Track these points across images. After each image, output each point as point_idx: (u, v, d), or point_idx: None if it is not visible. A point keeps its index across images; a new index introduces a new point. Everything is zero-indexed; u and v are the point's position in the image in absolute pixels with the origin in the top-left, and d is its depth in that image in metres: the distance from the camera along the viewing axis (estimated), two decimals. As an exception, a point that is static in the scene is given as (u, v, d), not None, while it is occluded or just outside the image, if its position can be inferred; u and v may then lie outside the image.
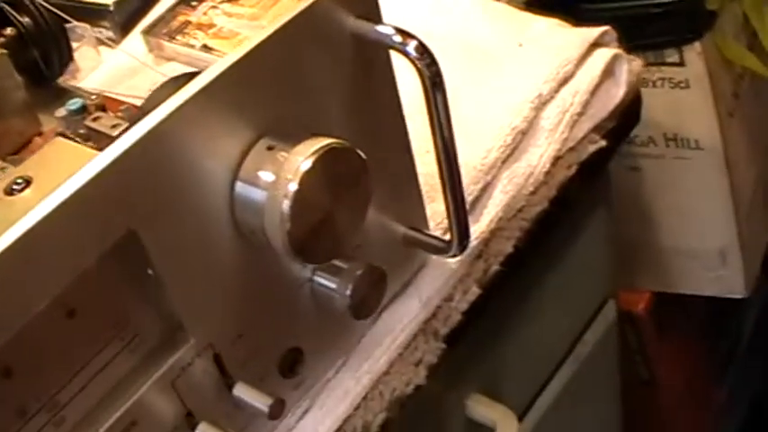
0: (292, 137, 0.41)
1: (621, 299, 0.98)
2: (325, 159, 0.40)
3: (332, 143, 0.40)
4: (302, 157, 0.40)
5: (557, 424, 0.79)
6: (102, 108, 0.60)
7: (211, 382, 0.44)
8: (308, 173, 0.40)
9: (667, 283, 1.06)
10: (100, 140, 0.55)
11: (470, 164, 0.57)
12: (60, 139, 0.52)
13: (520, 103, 0.61)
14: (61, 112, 0.59)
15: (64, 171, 0.38)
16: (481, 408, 0.65)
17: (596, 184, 0.66)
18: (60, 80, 0.67)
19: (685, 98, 0.91)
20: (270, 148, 0.41)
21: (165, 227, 0.39)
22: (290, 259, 0.41)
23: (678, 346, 1.15)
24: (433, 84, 0.43)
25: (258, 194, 0.40)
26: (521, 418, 0.74)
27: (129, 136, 0.37)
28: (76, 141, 0.56)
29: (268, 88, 0.41)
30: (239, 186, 0.41)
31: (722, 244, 1.00)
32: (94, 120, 0.58)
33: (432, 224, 0.54)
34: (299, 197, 0.39)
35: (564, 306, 0.73)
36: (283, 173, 0.40)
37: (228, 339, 0.44)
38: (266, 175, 0.40)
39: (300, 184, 0.39)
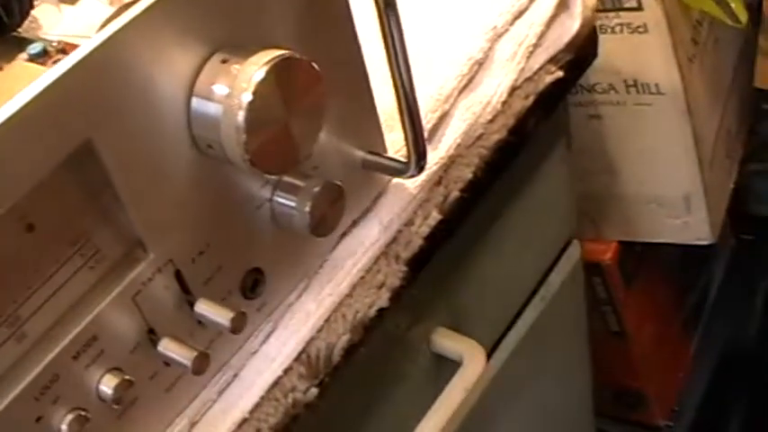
0: (246, 50, 0.41)
1: (588, 250, 0.99)
2: (278, 69, 0.40)
3: (285, 53, 0.41)
4: (255, 68, 0.40)
5: (524, 366, 0.79)
6: (64, 51, 0.60)
7: (173, 299, 0.44)
8: (261, 83, 0.40)
9: (633, 233, 1.07)
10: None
11: (427, 93, 0.58)
12: (21, 61, 0.52)
13: (475, 36, 0.61)
14: (22, 56, 0.59)
15: (20, 86, 0.38)
16: (447, 341, 0.66)
17: (554, 117, 0.67)
18: (20, 30, 0.67)
19: (644, 43, 0.91)
20: (224, 62, 0.41)
21: (121, 140, 0.39)
22: (248, 171, 0.41)
23: (647, 297, 1.17)
24: (387, 5, 0.44)
25: (213, 108, 0.41)
26: (488, 358, 0.75)
27: (82, 48, 0.37)
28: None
29: (220, 3, 0.42)
30: (195, 102, 0.41)
31: (686, 190, 1.01)
32: (56, 63, 0.58)
33: (391, 152, 0.55)
34: (253, 107, 0.40)
35: (527, 242, 0.74)
36: (237, 84, 0.40)
37: (189, 256, 0.44)
38: (220, 89, 0.41)
39: (254, 94, 0.40)
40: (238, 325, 0.44)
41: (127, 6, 0.50)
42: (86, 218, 0.41)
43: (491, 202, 0.62)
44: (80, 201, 0.41)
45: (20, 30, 0.68)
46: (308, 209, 0.46)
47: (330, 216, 0.47)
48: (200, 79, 0.41)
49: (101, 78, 0.38)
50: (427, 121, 0.57)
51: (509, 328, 0.77)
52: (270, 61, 0.40)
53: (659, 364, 1.23)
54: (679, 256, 1.20)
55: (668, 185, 1.01)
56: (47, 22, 0.72)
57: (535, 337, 0.79)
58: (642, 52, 0.92)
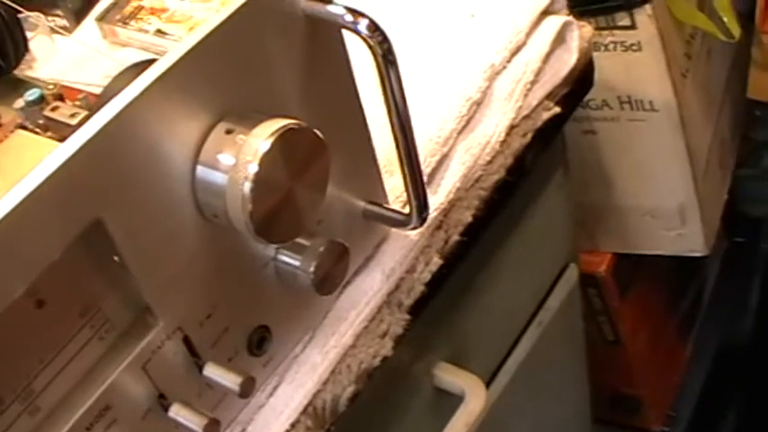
0: (250, 119, 0.42)
1: (584, 262, 0.99)
2: (283, 140, 0.41)
3: (289, 124, 0.41)
4: (261, 139, 0.40)
5: (523, 389, 0.80)
6: (60, 97, 0.60)
7: (182, 364, 0.45)
8: (267, 154, 0.40)
9: (628, 245, 1.08)
10: (59, 130, 0.55)
11: (426, 136, 0.58)
12: (21, 131, 0.52)
13: (473, 74, 0.61)
14: (19, 103, 0.60)
15: (26, 163, 0.38)
16: (449, 377, 0.66)
17: (552, 149, 0.67)
18: (16, 71, 0.67)
19: (638, 60, 0.91)
20: (228, 132, 0.41)
21: (129, 214, 0.40)
22: (254, 240, 0.42)
23: (642, 305, 1.17)
24: (386, 60, 0.44)
25: (219, 177, 0.41)
26: (487, 385, 0.75)
27: (91, 125, 0.38)
28: (36, 133, 0.57)
29: (224, 72, 0.42)
30: (200, 170, 0.42)
31: (681, 203, 1.02)
32: (53, 110, 0.59)
33: (391, 198, 0.55)
34: (259, 178, 0.40)
35: (525, 272, 0.75)
36: (243, 155, 0.40)
37: (197, 321, 0.45)
38: (226, 158, 0.41)
39: (260, 165, 0.40)
40: (247, 389, 0.44)
41: (134, 67, 0.51)
42: (95, 289, 0.41)
43: (489, 235, 0.63)
44: (89, 273, 0.41)
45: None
46: (312, 269, 0.46)
47: (334, 274, 0.48)
48: (206, 148, 0.42)
49: (110, 155, 0.38)
50: (426, 165, 0.58)
51: (507, 354, 0.78)
52: (275, 132, 0.41)
53: (654, 369, 1.24)
54: (673, 262, 1.20)
55: (663, 198, 1.02)
56: (41, 53, 0.72)
57: (533, 361, 0.80)
58: (636, 70, 0.92)
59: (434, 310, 0.59)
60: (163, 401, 0.44)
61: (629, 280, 1.14)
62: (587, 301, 1.10)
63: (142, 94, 0.39)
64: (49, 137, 0.56)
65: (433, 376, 0.67)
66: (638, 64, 0.92)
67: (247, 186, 0.40)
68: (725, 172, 1.14)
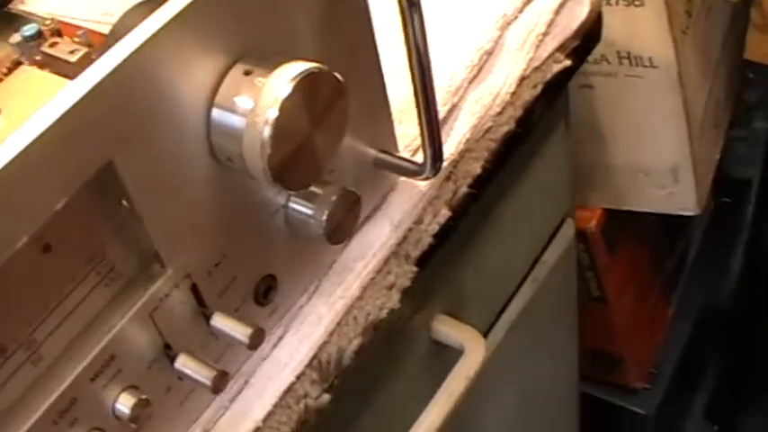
0: (269, 61, 0.40)
1: None
2: (304, 84, 0.39)
3: (311, 68, 0.39)
4: (282, 83, 0.39)
5: (518, 344, 0.79)
6: (58, 33, 0.58)
7: (189, 313, 0.43)
8: (287, 99, 0.39)
9: (619, 201, 1.07)
10: (59, 67, 0.53)
11: (437, 85, 0.57)
12: (26, 67, 0.50)
13: (485, 24, 0.60)
14: (15, 38, 0.57)
15: (33, 100, 0.37)
16: (447, 329, 0.65)
17: (557, 102, 0.66)
18: (10, 6, 0.65)
19: (639, 16, 0.90)
20: (247, 73, 0.39)
21: (141, 157, 0.38)
22: (269, 185, 0.40)
23: (628, 263, 1.17)
24: (410, 3, 0.42)
25: (236, 121, 0.39)
26: (483, 337, 0.74)
27: (103, 63, 0.36)
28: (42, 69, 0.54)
29: (241, 10, 0.40)
30: (216, 113, 0.40)
31: (674, 161, 1.00)
32: (51, 46, 0.56)
33: (400, 146, 0.54)
34: (278, 123, 0.38)
35: (524, 226, 0.73)
36: (262, 99, 0.39)
37: (206, 269, 0.43)
38: (244, 102, 0.39)
39: (281, 110, 0.38)
40: (257, 341, 0.43)
41: (145, 4, 0.48)
42: (102, 235, 0.40)
43: (494, 190, 0.61)
44: (96, 218, 0.39)
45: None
46: (325, 217, 0.45)
47: (345, 223, 0.46)
48: (222, 90, 0.40)
49: (123, 95, 0.36)
50: (437, 114, 0.56)
51: (503, 309, 0.77)
52: (297, 77, 0.39)
53: (638, 327, 1.24)
54: (660, 221, 1.20)
55: (656, 156, 1.01)
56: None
57: (528, 316, 0.79)
58: (637, 26, 0.90)
59: (435, 262, 0.58)
60: (169, 352, 0.43)
61: (618, 237, 1.13)
62: (575, 256, 1.09)
63: (157, 32, 0.37)
64: (56, 74, 0.54)
65: (431, 329, 0.66)
66: (639, 20, 0.90)
67: (267, 131, 0.38)
68: (718, 132, 1.13)
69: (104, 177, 0.37)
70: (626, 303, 1.19)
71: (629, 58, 0.93)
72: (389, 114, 0.51)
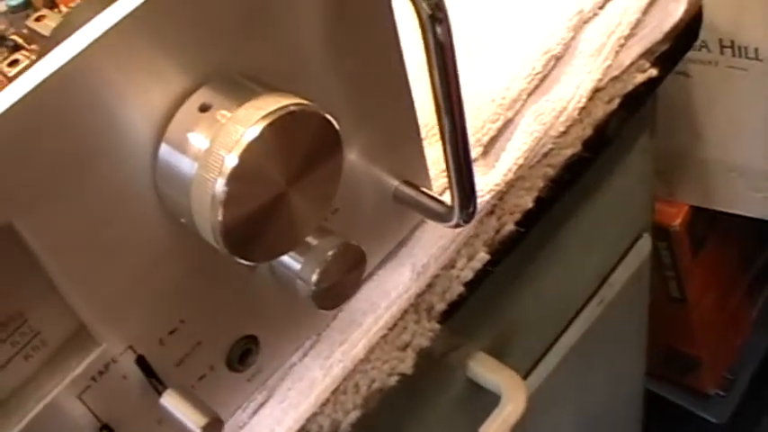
0: (240, 90, 0.30)
1: (657, 212, 0.92)
2: (279, 126, 0.29)
3: (291, 105, 0.30)
4: (249, 121, 0.29)
5: (578, 365, 0.70)
6: (52, 4, 0.49)
7: (135, 388, 0.35)
8: (254, 143, 0.29)
9: (709, 200, 0.99)
10: (41, 44, 0.45)
11: (488, 96, 0.47)
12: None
13: (555, 22, 0.49)
14: (1, 7, 0.49)
15: None
16: (485, 371, 0.56)
17: (639, 115, 0.55)
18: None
19: (748, 3, 0.81)
20: (204, 108, 0.30)
21: (57, 214, 0.29)
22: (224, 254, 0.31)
23: (713, 264, 1.10)
24: (433, 19, 0.32)
25: (186, 165, 0.30)
26: (532, 370, 0.65)
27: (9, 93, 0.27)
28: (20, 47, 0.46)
29: (223, 16, 0.31)
30: (164, 151, 0.30)
31: (773, 164, 0.91)
32: (38, 19, 0.48)
33: (433, 173, 0.44)
34: (238, 175, 0.29)
35: (591, 251, 0.63)
36: (220, 139, 0.29)
37: (155, 338, 0.34)
38: (198, 140, 0.30)
39: (242, 157, 0.29)
40: (212, 433, 0.34)
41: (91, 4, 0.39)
42: (17, 297, 0.31)
43: (556, 208, 0.51)
44: (5, 280, 0.30)
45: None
46: (315, 277, 0.35)
47: (343, 285, 0.37)
48: (175, 122, 0.30)
49: (26, 140, 0.27)
50: (484, 132, 0.46)
51: (560, 334, 0.67)
52: (270, 114, 0.29)
53: (717, 330, 1.17)
54: (749, 222, 1.11)
55: (753, 156, 0.92)
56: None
57: (590, 340, 0.69)
58: (745, 13, 0.81)
59: (480, 295, 0.48)
60: (106, 433, 0.34)
61: (703, 237, 1.06)
62: (656, 253, 1.01)
63: (98, 41, 0.28)
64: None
65: (467, 367, 0.56)
66: (747, 6, 0.80)
67: (221, 184, 0.29)
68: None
69: (4, 241, 0.28)
70: (707, 306, 1.13)
71: (732, 47, 0.85)
72: (419, 140, 0.41)
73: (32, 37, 0.48)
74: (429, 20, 0.32)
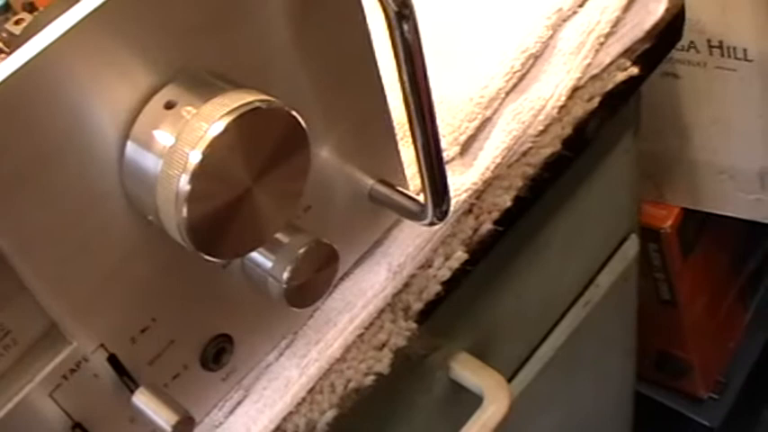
0: (206, 87, 0.30)
1: (647, 214, 0.94)
2: (243, 122, 0.29)
3: (256, 101, 0.30)
4: (213, 117, 0.29)
5: (563, 367, 0.70)
6: (31, 7, 0.49)
7: (107, 388, 0.35)
8: (217, 139, 0.29)
9: (699, 202, 0.99)
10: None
11: (466, 95, 0.47)
12: None
13: (533, 20, 0.49)
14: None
15: None
16: (467, 372, 0.56)
17: (621, 115, 0.55)
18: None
19: (736, 3, 0.80)
20: (170, 105, 0.30)
21: (20, 210, 0.29)
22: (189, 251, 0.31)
23: (704, 267, 1.09)
24: (399, 16, 0.32)
25: (151, 162, 0.30)
26: (517, 371, 0.65)
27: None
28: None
29: (189, 14, 0.31)
30: (130, 149, 0.30)
31: (763, 165, 0.91)
32: (17, 23, 0.48)
33: (410, 173, 0.44)
34: (202, 171, 0.29)
35: (577, 246, 0.63)
36: (184, 136, 0.29)
37: (127, 336, 0.34)
38: (163, 137, 0.30)
39: (206, 153, 0.29)
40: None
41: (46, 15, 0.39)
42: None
43: (537, 208, 0.51)
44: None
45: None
46: (286, 275, 0.35)
47: (315, 284, 0.37)
48: (142, 119, 0.30)
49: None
50: (462, 131, 0.46)
51: (545, 336, 0.67)
52: (235, 110, 0.29)
53: (709, 334, 1.16)
54: (740, 224, 1.11)
55: (743, 158, 0.92)
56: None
57: (576, 342, 0.69)
58: (733, 13, 0.81)
59: (461, 296, 0.48)
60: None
61: (694, 240, 1.05)
62: (646, 256, 1.01)
63: (62, 37, 0.28)
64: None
65: (449, 368, 0.56)
66: (735, 6, 0.80)
67: (185, 180, 0.29)
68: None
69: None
70: (698, 309, 1.12)
71: (720, 47, 0.84)
72: (393, 137, 0.41)
73: (11, 40, 0.48)
74: (395, 17, 0.32)
